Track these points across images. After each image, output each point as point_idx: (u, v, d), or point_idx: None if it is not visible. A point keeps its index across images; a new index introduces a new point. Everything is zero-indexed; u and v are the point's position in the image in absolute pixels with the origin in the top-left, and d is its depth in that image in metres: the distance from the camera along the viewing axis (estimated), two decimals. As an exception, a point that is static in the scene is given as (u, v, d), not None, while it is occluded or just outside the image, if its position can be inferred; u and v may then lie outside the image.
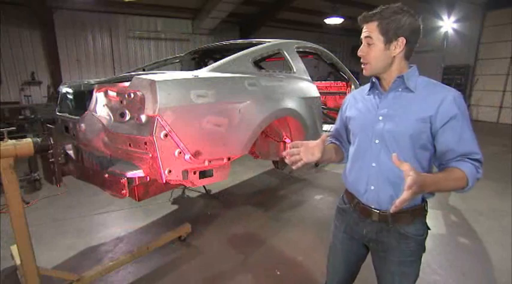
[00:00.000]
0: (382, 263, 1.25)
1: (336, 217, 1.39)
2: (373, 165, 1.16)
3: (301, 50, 3.12)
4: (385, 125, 1.13)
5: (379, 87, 1.19)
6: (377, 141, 1.15)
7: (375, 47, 1.10)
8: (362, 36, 1.13)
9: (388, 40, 1.09)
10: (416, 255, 1.19)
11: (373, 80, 1.20)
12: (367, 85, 1.26)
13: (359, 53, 1.14)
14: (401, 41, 1.09)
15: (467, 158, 1.04)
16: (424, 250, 1.20)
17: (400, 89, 1.13)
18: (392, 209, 0.89)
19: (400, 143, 1.10)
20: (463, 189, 1.03)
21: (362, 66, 1.16)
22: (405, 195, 0.86)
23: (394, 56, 1.11)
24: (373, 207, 1.19)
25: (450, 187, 1.03)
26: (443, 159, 1.09)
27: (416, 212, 1.15)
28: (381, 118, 1.15)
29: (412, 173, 0.86)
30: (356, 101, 1.28)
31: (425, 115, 1.06)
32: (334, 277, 1.41)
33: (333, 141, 1.40)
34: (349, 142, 1.34)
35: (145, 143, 1.67)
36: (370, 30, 1.10)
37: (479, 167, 1.04)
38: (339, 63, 3.68)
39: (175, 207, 3.51)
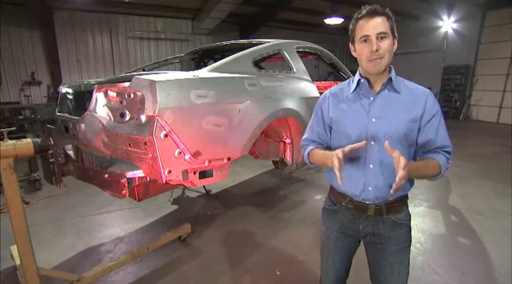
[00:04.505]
0: (380, 256, 1.27)
1: (325, 219, 1.39)
2: (371, 166, 1.17)
3: (301, 50, 3.13)
4: (380, 127, 1.14)
5: (367, 88, 1.18)
6: (373, 143, 1.15)
7: (388, 41, 1.09)
8: (370, 33, 1.08)
9: (394, 37, 1.12)
10: (409, 240, 1.27)
11: (362, 80, 1.18)
12: (346, 85, 1.26)
13: (373, 48, 1.07)
14: (396, 41, 1.14)
15: (442, 150, 1.17)
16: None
17: (386, 90, 1.17)
18: (392, 191, 1.01)
19: (397, 143, 1.13)
20: (436, 177, 1.16)
21: (373, 62, 1.10)
22: (401, 174, 0.97)
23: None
24: (368, 202, 1.20)
25: (429, 173, 1.15)
26: (421, 151, 1.20)
27: (404, 200, 1.25)
28: (374, 120, 1.15)
29: (403, 158, 0.98)
30: (338, 101, 1.25)
31: (416, 115, 1.14)
32: (331, 275, 1.42)
33: (318, 146, 1.32)
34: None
35: (145, 143, 1.68)
36: (383, 24, 1.08)
37: (449, 158, 1.18)
38: (338, 63, 3.68)
39: (175, 207, 3.51)
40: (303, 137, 1.39)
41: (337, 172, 1.04)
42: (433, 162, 1.14)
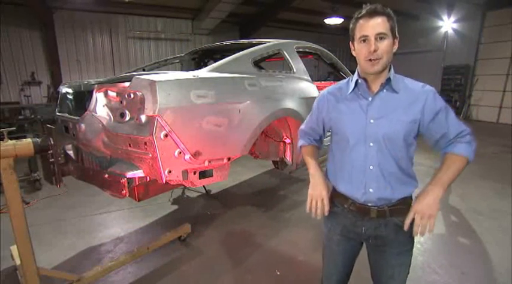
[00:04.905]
0: (381, 258, 1.26)
1: (327, 221, 1.37)
2: (371, 167, 1.16)
3: (301, 50, 3.13)
4: (379, 128, 1.13)
5: (365, 89, 1.17)
6: (372, 144, 1.15)
7: (387, 41, 1.08)
8: (369, 33, 1.07)
9: (394, 37, 1.11)
10: (411, 243, 1.25)
11: (359, 81, 1.18)
12: (345, 84, 1.25)
13: (371, 48, 1.06)
14: (397, 41, 1.12)
15: (459, 138, 1.15)
16: None
17: (385, 90, 1.15)
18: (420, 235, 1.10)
19: (396, 144, 1.13)
20: (468, 164, 1.16)
21: (371, 62, 1.09)
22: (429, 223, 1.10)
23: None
24: (370, 204, 1.19)
25: (458, 174, 1.14)
26: (440, 146, 1.19)
27: (407, 202, 1.21)
28: (372, 121, 1.14)
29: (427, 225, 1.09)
30: (337, 101, 1.25)
31: (415, 117, 1.13)
32: (332, 278, 1.41)
33: (312, 141, 1.43)
34: (321, 141, 1.45)
35: (145, 143, 1.68)
36: (382, 24, 1.07)
37: (471, 140, 1.16)
38: (338, 63, 3.68)
39: (175, 207, 3.51)
40: (300, 127, 1.49)
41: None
42: (457, 162, 1.13)
